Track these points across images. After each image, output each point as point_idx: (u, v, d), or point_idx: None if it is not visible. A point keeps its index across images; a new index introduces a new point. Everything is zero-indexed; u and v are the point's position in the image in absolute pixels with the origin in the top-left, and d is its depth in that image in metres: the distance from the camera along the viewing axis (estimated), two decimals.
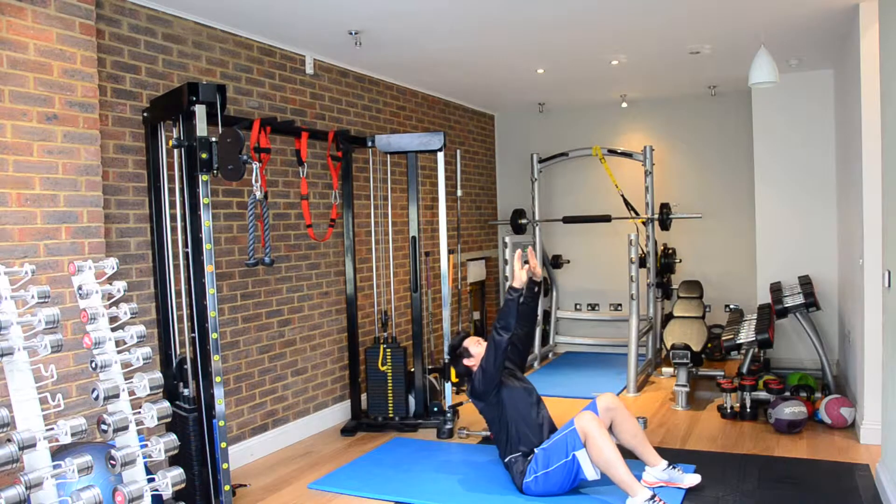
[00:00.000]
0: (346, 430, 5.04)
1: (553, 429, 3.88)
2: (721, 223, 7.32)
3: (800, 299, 5.50)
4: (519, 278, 3.91)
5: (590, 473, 3.54)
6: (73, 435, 2.44)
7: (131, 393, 2.71)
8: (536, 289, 4.18)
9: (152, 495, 2.63)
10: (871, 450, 4.24)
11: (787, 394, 4.93)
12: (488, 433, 4.34)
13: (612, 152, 6.91)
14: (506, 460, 3.84)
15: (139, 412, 2.70)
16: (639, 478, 3.65)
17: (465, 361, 4.08)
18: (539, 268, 4.16)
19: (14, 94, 3.04)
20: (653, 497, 3.37)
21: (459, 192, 6.27)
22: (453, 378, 4.95)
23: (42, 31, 3.14)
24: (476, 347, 4.08)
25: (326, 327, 5.26)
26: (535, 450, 3.74)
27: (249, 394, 4.54)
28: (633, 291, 6.18)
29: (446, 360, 5.03)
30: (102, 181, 3.44)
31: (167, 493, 2.66)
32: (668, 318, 6.46)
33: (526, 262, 3.94)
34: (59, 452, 2.65)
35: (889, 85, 3.46)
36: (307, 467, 4.36)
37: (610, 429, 3.78)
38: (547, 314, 7.52)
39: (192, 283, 3.37)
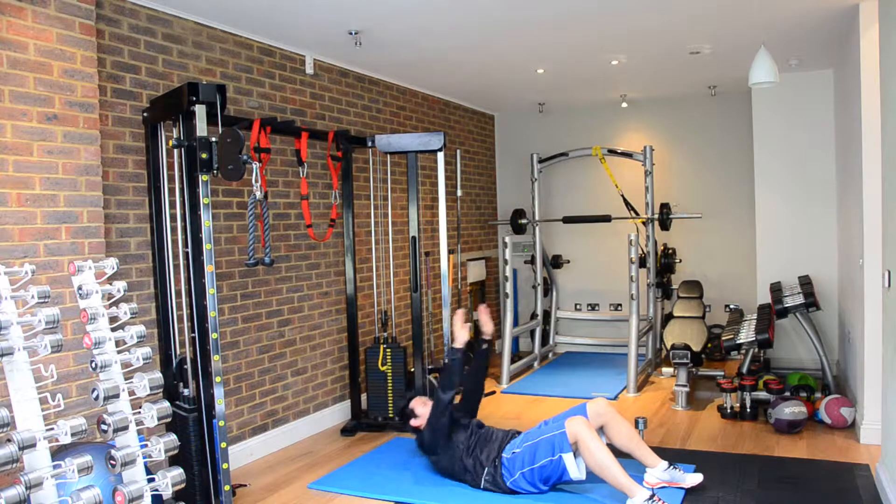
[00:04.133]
0: (346, 430, 5.04)
1: (507, 432, 3.96)
2: (721, 223, 7.32)
3: (800, 299, 5.50)
4: (459, 339, 4.05)
5: (574, 474, 3.60)
6: (73, 435, 2.44)
7: (131, 393, 2.71)
8: (485, 346, 4.33)
9: (152, 495, 2.63)
10: (871, 450, 4.24)
11: (787, 394, 4.93)
12: None
13: (612, 152, 6.91)
14: (482, 487, 3.82)
15: (139, 412, 2.70)
16: (640, 480, 3.66)
17: (413, 422, 4.18)
18: (489, 325, 4.31)
19: (14, 94, 3.04)
20: (652, 496, 3.37)
21: (459, 192, 6.27)
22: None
23: (42, 31, 3.14)
24: (422, 408, 4.17)
25: (326, 327, 5.26)
26: (502, 455, 3.78)
27: (249, 394, 4.54)
28: (633, 291, 6.18)
29: (444, 362, 5.04)
30: (102, 181, 3.44)
31: (167, 493, 2.66)
32: (668, 318, 6.46)
33: (468, 321, 4.08)
34: (59, 452, 2.65)
35: (889, 85, 3.46)
36: (307, 467, 4.36)
37: (602, 432, 3.79)
38: (547, 314, 7.52)
39: (192, 283, 3.37)
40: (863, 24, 4.29)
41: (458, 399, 4.41)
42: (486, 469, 3.79)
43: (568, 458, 3.57)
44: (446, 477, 3.97)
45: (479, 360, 4.34)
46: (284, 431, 4.81)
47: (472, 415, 4.27)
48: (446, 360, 4.03)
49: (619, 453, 3.69)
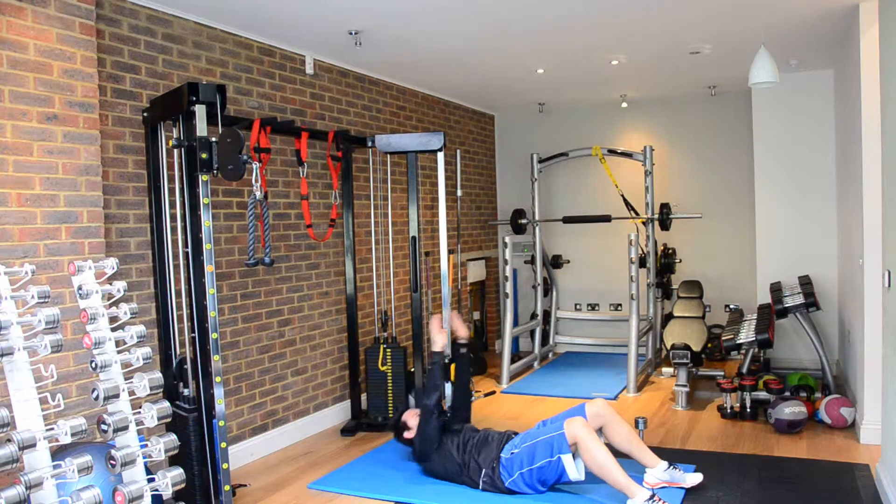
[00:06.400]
0: (346, 430, 5.04)
1: (504, 433, 3.94)
2: (721, 223, 7.32)
3: (800, 299, 5.50)
4: (437, 343, 4.11)
5: (573, 475, 3.59)
6: (73, 435, 2.44)
7: (131, 393, 2.71)
8: (463, 350, 4.34)
9: (152, 495, 2.63)
10: (871, 450, 4.24)
11: (787, 394, 4.93)
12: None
13: (612, 152, 6.92)
14: (480, 487, 3.82)
15: (139, 412, 2.70)
16: (640, 480, 3.66)
17: (406, 435, 4.18)
18: (463, 329, 4.35)
19: (14, 94, 3.04)
20: (652, 497, 3.37)
21: (459, 192, 6.27)
22: (452, 378, 4.96)
23: (42, 31, 3.14)
24: (413, 420, 4.18)
25: (326, 327, 5.26)
26: (501, 455, 3.77)
27: (249, 394, 4.54)
28: (633, 291, 6.18)
29: (447, 360, 5.04)
30: (102, 181, 3.43)
31: (167, 493, 2.66)
32: (668, 318, 6.46)
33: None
34: (59, 452, 2.65)
35: (889, 85, 3.46)
36: (307, 467, 4.36)
37: (601, 433, 3.79)
38: (547, 314, 7.52)
39: (192, 283, 3.37)
40: (863, 24, 4.29)
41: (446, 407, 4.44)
42: (484, 470, 3.79)
43: (567, 459, 3.57)
44: (441, 480, 3.96)
45: (460, 366, 4.36)
46: (284, 431, 4.81)
47: (466, 421, 4.27)
48: (428, 366, 4.04)
49: (618, 454, 3.69)
